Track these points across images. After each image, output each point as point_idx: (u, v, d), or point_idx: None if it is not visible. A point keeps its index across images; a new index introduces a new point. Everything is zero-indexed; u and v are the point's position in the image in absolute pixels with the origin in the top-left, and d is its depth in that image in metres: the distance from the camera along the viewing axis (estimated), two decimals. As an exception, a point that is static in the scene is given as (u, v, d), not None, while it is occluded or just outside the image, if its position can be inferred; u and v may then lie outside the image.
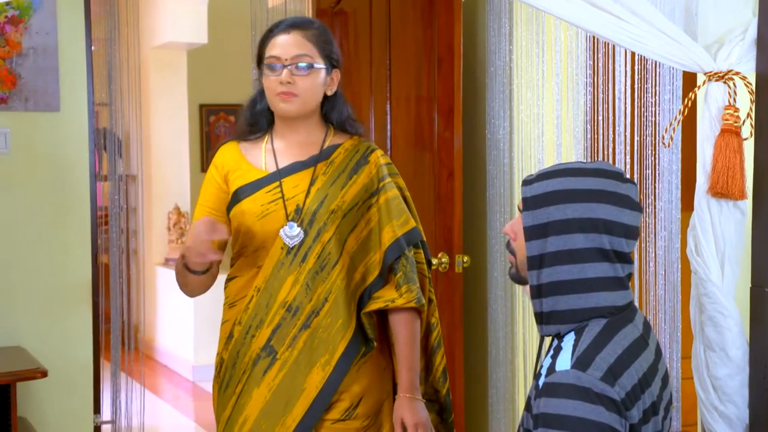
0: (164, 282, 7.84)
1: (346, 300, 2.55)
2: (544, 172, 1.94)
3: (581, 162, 2.03)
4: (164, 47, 7.84)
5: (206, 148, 9.02)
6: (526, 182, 1.93)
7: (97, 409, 4.15)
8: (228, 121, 9.06)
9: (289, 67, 2.52)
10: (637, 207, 1.91)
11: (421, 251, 2.67)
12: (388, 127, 4.16)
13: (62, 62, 3.98)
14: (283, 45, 2.54)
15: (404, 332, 2.59)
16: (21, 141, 3.95)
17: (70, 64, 4.00)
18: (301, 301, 2.52)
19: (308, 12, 4.65)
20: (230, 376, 2.59)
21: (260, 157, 2.62)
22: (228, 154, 2.65)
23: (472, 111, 4.14)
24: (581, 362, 1.81)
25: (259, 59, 2.60)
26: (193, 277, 2.54)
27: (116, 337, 4.43)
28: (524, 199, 1.91)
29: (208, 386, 6.96)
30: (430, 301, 2.68)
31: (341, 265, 2.55)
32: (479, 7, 4.10)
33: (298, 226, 2.53)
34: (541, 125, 3.77)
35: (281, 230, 2.54)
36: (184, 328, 7.44)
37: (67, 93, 4.00)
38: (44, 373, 3.51)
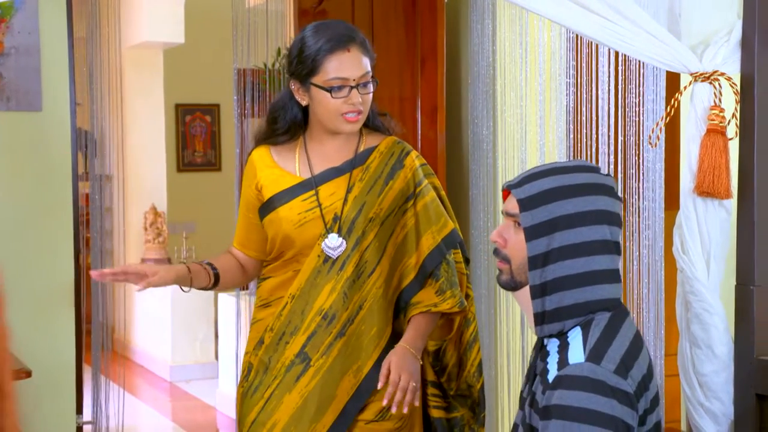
0: (141, 282, 7.80)
1: (383, 308, 2.53)
2: (530, 174, 1.95)
3: (558, 162, 2.06)
4: (141, 47, 7.81)
5: (182, 147, 8.99)
6: (514, 185, 1.94)
7: (79, 410, 4.14)
8: (204, 121, 9.04)
9: (357, 87, 2.46)
10: (619, 198, 1.97)
11: (459, 251, 2.65)
12: (371, 126, 4.18)
13: (44, 62, 3.96)
14: (350, 65, 2.45)
15: (423, 318, 2.56)
16: (3, 141, 3.92)
17: (52, 64, 3.98)
18: (337, 309, 2.49)
19: (290, 12, 4.66)
20: (260, 381, 2.55)
21: (294, 162, 2.57)
22: (260, 161, 2.59)
23: (455, 111, 4.16)
24: (595, 355, 1.83)
25: (307, 73, 2.47)
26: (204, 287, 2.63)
27: (97, 337, 4.41)
28: (520, 201, 1.91)
29: (186, 386, 7.02)
30: (467, 296, 2.67)
31: (379, 272, 2.52)
32: (462, 7, 4.12)
33: (339, 236, 2.50)
34: (524, 125, 3.79)
35: (323, 243, 2.50)
36: (162, 328, 7.42)
37: (49, 93, 3.98)
38: (28, 374, 3.49)
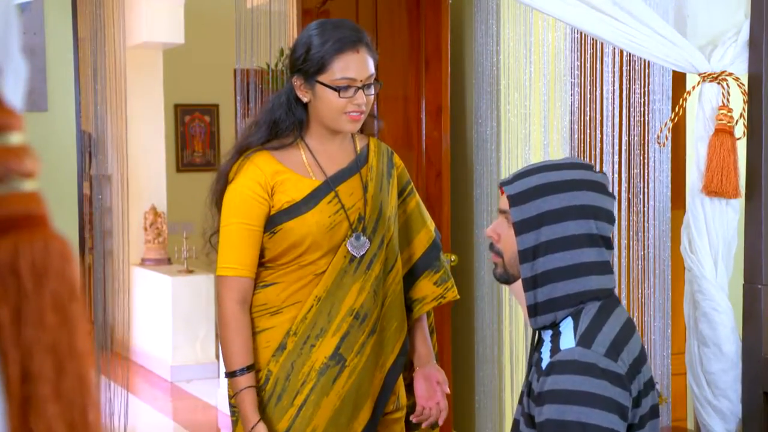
0: (141, 282, 7.81)
1: (401, 301, 2.60)
2: (522, 171, 2.02)
3: (553, 159, 2.13)
4: (140, 47, 7.81)
5: (181, 147, 8.99)
6: (506, 182, 2.01)
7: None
8: (203, 121, 9.04)
9: (362, 88, 2.45)
10: (611, 194, 2.02)
11: None
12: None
13: (50, 62, 3.96)
14: (358, 66, 2.44)
15: (424, 319, 2.72)
16: (8, 141, 3.93)
17: (58, 64, 3.98)
18: (369, 308, 2.52)
19: (292, 12, 4.66)
20: (282, 388, 2.50)
21: (302, 165, 2.53)
22: (267, 166, 2.50)
23: (459, 111, 4.17)
24: (585, 340, 1.89)
25: (315, 71, 2.45)
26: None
27: (98, 338, 4.42)
28: (510, 197, 1.97)
29: (187, 386, 7.02)
30: None
31: (397, 268, 2.58)
32: (466, 7, 4.14)
33: (363, 236, 2.51)
34: (528, 125, 3.81)
35: (348, 242, 2.50)
36: (162, 328, 7.42)
37: (54, 93, 3.98)
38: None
